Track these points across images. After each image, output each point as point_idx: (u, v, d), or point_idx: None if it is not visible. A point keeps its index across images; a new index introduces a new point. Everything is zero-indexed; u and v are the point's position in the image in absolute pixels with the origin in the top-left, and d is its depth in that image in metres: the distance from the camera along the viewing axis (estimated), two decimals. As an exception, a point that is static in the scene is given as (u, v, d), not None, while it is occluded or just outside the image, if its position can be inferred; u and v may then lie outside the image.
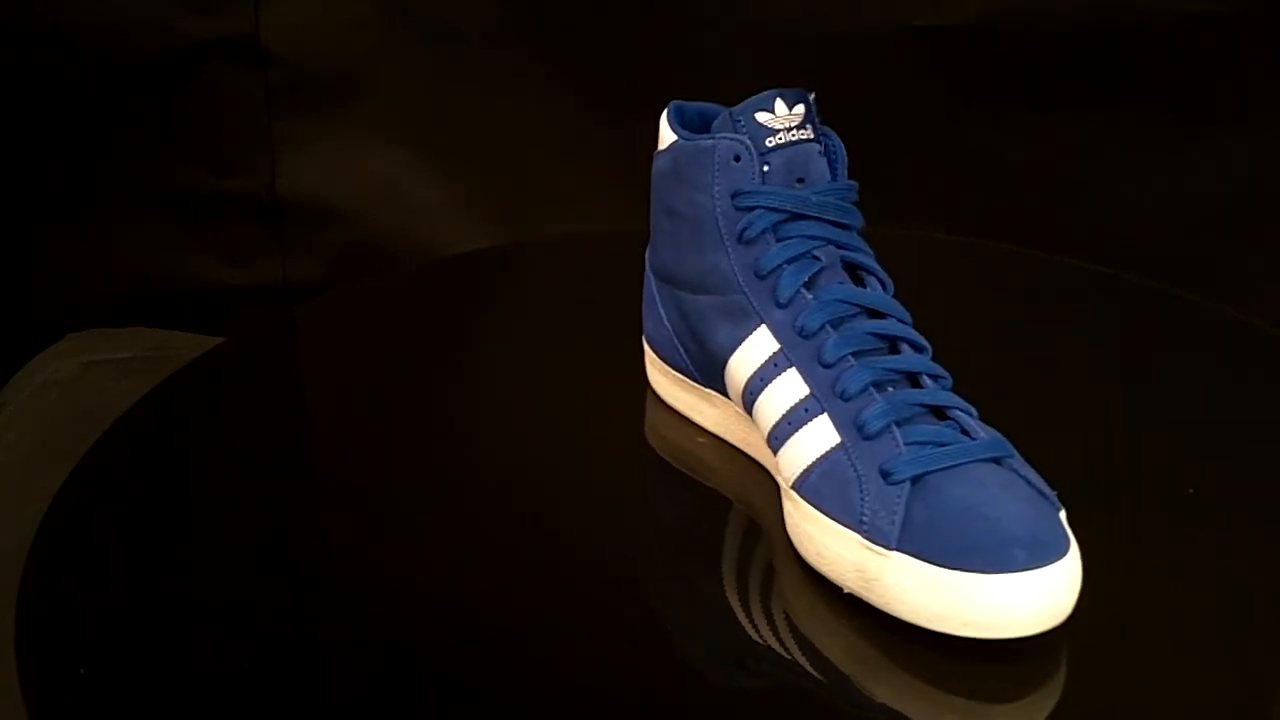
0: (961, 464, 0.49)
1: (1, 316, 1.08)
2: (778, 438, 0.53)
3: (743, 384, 0.56)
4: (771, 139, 0.54)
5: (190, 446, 0.65)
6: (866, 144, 0.59)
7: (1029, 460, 0.51)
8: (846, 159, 0.56)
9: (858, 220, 0.55)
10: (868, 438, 0.50)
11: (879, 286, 0.55)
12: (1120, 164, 1.06)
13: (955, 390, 0.52)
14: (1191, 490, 0.57)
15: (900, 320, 0.54)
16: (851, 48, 1.02)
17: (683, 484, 0.61)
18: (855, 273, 0.55)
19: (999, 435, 0.51)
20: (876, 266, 0.55)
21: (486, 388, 0.70)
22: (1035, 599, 0.46)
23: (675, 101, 0.61)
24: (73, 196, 1.08)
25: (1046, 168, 1.06)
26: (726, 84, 1.09)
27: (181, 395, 0.70)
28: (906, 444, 0.49)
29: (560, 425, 0.65)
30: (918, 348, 0.53)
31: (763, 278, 0.54)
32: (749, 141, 0.54)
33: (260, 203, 1.11)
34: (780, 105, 0.55)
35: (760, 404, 0.55)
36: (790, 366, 0.53)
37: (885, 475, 0.49)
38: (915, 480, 0.49)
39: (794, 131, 0.54)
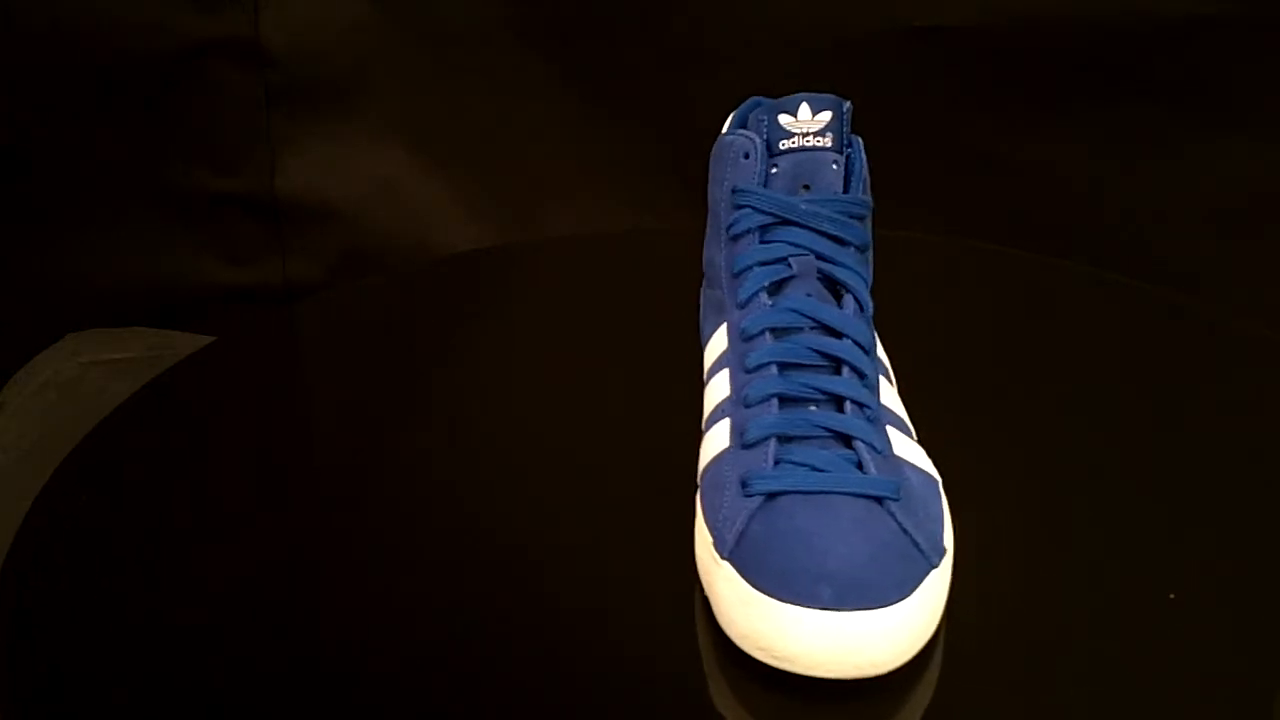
0: (827, 493, 0.47)
1: (1, 316, 1.08)
2: (701, 436, 0.54)
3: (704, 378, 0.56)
4: (786, 141, 0.54)
5: (179, 445, 0.65)
6: (865, 144, 0.59)
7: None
8: (865, 174, 0.55)
9: (857, 236, 0.54)
10: (746, 446, 0.50)
11: (854, 306, 0.53)
12: (1121, 164, 1.05)
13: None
14: (1172, 595, 0.52)
15: (856, 343, 0.52)
16: (851, 48, 1.02)
17: (677, 477, 0.61)
18: (835, 288, 0.54)
19: (900, 479, 0.49)
20: (859, 286, 0.53)
21: (484, 387, 0.70)
22: (830, 641, 0.44)
23: (755, 97, 0.60)
24: (72, 196, 1.08)
25: (1047, 168, 1.06)
26: (726, 84, 1.09)
27: (171, 393, 0.70)
28: (779, 461, 0.49)
29: (559, 424, 0.65)
30: (861, 373, 0.51)
31: (735, 276, 0.54)
32: (759, 141, 0.54)
33: (260, 203, 1.11)
34: (804, 109, 0.54)
35: (703, 400, 0.55)
36: (725, 368, 0.53)
37: (744, 485, 0.49)
38: (771, 497, 0.48)
39: (810, 137, 0.54)
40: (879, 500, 0.48)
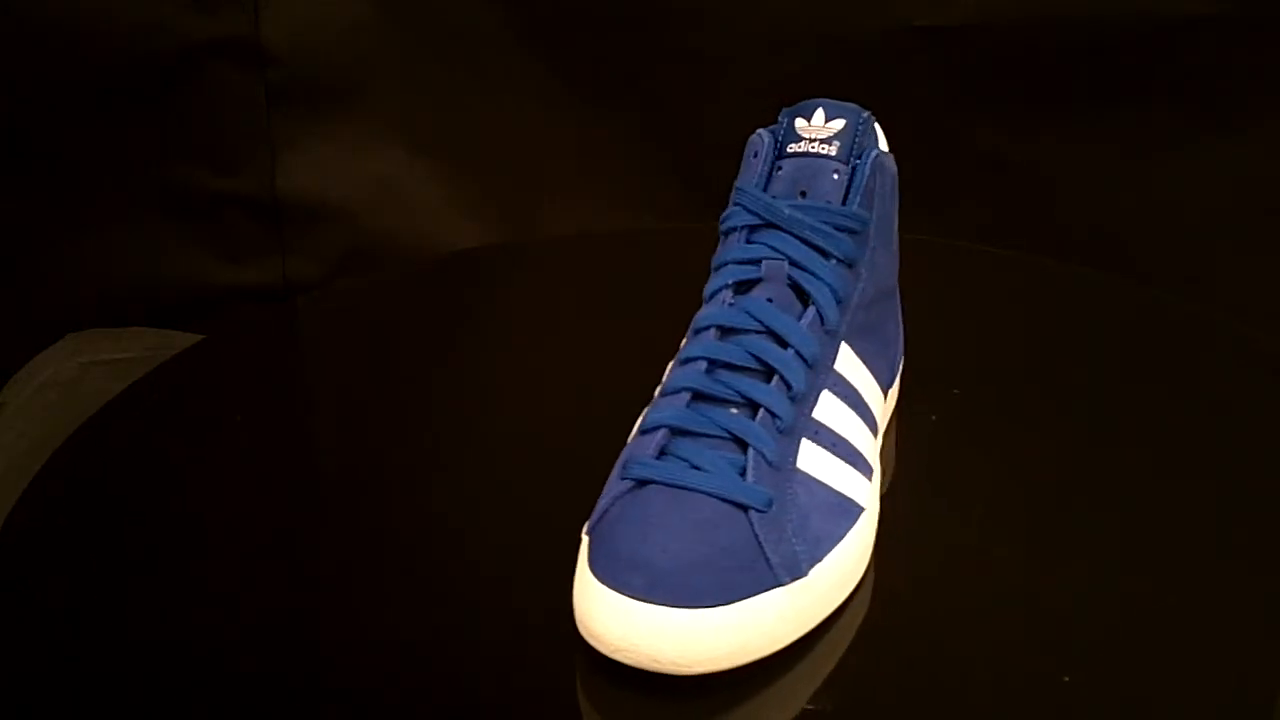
0: (691, 490, 0.47)
1: (1, 316, 1.08)
2: None
3: None
4: (794, 145, 0.53)
5: (165, 444, 0.65)
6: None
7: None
8: (876, 188, 0.53)
9: (841, 249, 0.52)
10: (643, 431, 0.50)
11: (814, 318, 0.52)
12: (1120, 165, 1.06)
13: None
14: (1066, 678, 0.48)
15: (799, 354, 0.51)
16: (851, 48, 1.02)
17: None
18: (805, 297, 0.52)
19: (781, 493, 0.48)
20: (826, 299, 0.52)
21: (481, 386, 0.70)
22: (630, 629, 0.45)
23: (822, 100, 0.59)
24: (73, 196, 1.08)
25: (1047, 168, 1.06)
26: (726, 84, 1.09)
27: (162, 391, 0.70)
28: (664, 452, 0.49)
29: (556, 423, 0.65)
30: (788, 384, 0.50)
31: (713, 272, 0.54)
32: (770, 142, 0.54)
33: (260, 203, 1.11)
34: (819, 115, 0.54)
35: None
36: (671, 361, 0.53)
37: (624, 467, 0.49)
38: (641, 484, 0.48)
39: (817, 144, 0.53)
40: (744, 509, 0.47)
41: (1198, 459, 0.62)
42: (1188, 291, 0.99)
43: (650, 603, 0.45)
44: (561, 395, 0.68)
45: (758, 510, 0.47)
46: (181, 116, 1.07)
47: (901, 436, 0.62)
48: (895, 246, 0.58)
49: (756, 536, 0.47)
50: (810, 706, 0.47)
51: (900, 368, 0.62)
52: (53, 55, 1.03)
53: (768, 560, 0.47)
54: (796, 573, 0.48)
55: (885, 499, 0.55)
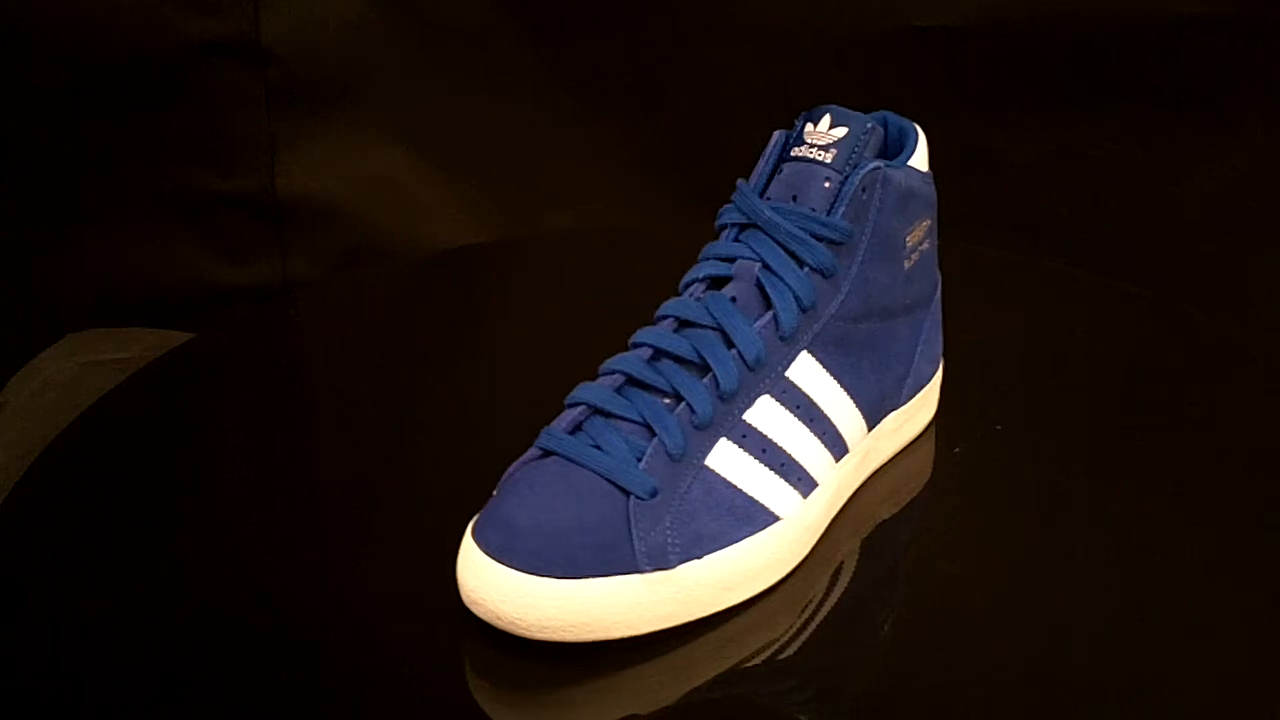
0: (584, 466, 0.49)
1: (1, 316, 1.08)
2: None
3: None
4: (797, 149, 0.54)
5: (158, 442, 0.65)
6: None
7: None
8: (855, 200, 0.52)
9: (817, 258, 0.52)
10: (567, 405, 0.52)
11: (768, 323, 0.52)
12: (1120, 165, 1.05)
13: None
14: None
15: (740, 356, 0.51)
16: (851, 48, 1.02)
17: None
18: (770, 301, 0.52)
19: (669, 485, 0.49)
20: (787, 305, 0.51)
21: (478, 382, 0.70)
22: (481, 585, 0.47)
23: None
24: (73, 196, 1.08)
25: (1047, 168, 1.06)
26: (726, 84, 1.09)
27: (157, 388, 0.70)
28: (578, 428, 0.50)
29: (553, 420, 0.65)
30: (718, 383, 0.50)
31: (695, 264, 0.55)
32: (778, 143, 0.54)
33: (260, 202, 1.11)
34: (825, 121, 0.54)
35: None
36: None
37: (538, 438, 0.51)
38: (545, 454, 0.50)
39: (816, 150, 0.53)
40: (626, 493, 0.49)
41: (1198, 460, 0.62)
42: (1188, 291, 1.00)
43: (498, 562, 0.47)
44: (558, 392, 0.68)
45: (639, 497, 0.48)
46: (181, 116, 1.07)
47: (920, 464, 0.61)
48: (911, 266, 0.56)
49: (629, 521, 0.48)
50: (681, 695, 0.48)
51: (918, 393, 0.60)
52: (53, 55, 1.03)
53: (633, 546, 0.48)
54: (661, 564, 0.48)
55: (880, 524, 0.56)
